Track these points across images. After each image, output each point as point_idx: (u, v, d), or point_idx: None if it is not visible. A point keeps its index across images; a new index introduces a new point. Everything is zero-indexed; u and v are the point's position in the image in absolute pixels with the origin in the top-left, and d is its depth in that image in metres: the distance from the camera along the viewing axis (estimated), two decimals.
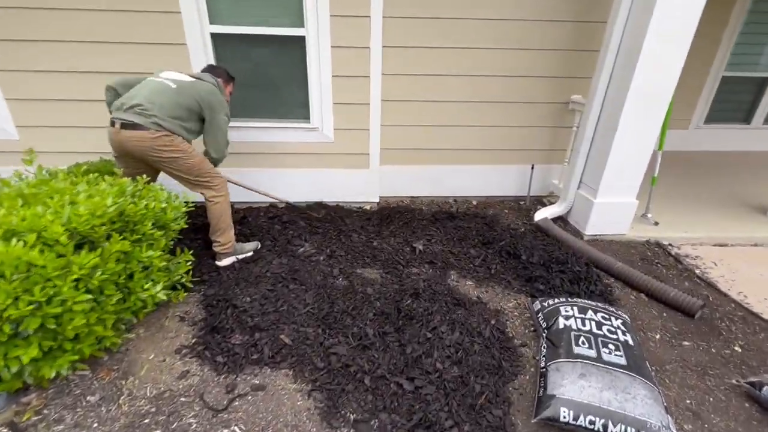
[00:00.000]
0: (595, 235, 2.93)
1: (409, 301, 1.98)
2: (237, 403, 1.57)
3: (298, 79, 2.95)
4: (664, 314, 2.16)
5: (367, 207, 3.34)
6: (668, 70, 2.44)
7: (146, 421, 1.49)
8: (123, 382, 1.64)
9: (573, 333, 1.70)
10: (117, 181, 1.68)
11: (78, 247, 1.45)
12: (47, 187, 1.60)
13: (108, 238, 1.50)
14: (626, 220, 2.89)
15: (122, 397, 1.57)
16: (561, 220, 3.17)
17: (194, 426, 1.47)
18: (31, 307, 1.21)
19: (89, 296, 1.35)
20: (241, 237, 2.70)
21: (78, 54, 2.71)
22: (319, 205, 3.26)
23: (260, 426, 1.49)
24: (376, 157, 3.23)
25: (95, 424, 1.47)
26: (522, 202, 3.56)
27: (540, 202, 3.56)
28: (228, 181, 2.84)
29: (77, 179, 1.83)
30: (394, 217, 3.07)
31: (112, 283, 1.49)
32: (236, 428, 1.47)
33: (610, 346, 1.63)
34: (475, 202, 3.56)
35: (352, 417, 1.51)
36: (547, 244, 2.65)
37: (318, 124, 3.08)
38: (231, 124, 3.03)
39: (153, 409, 1.53)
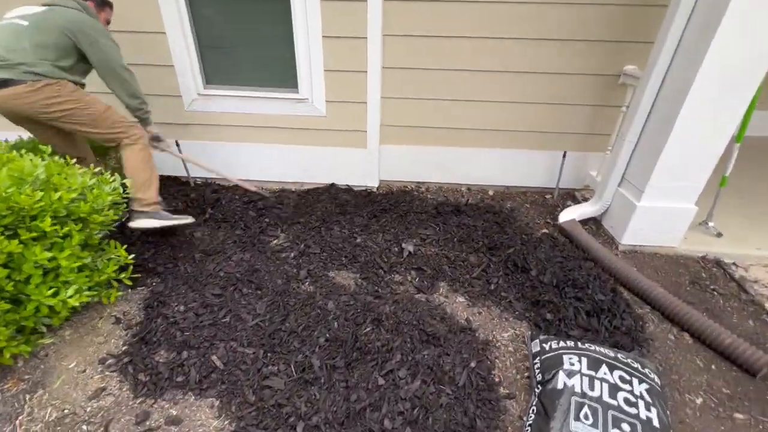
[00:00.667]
0: (634, 246, 2.35)
1: (369, 329, 1.60)
2: None
3: (283, 41, 2.50)
4: (713, 367, 1.64)
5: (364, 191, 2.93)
6: (764, 32, 1.74)
7: None
8: (29, 397, 1.43)
9: (574, 399, 1.26)
10: (16, 164, 1.40)
11: None
12: None
13: None
14: (678, 231, 2.28)
15: (21, 417, 1.37)
16: (593, 222, 2.60)
17: None
18: None
19: None
20: (212, 222, 2.43)
21: None
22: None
23: None
24: (374, 135, 2.78)
25: None
26: (548, 196, 2.99)
27: (571, 195, 2.97)
28: (180, 157, 2.54)
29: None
30: (388, 206, 2.65)
31: None
32: None
33: (625, 426, 1.18)
34: (491, 193, 3.04)
35: None
36: (567, 257, 2.13)
37: (307, 95, 2.66)
38: (206, 91, 2.70)
39: None
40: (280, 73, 2.62)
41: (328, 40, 2.46)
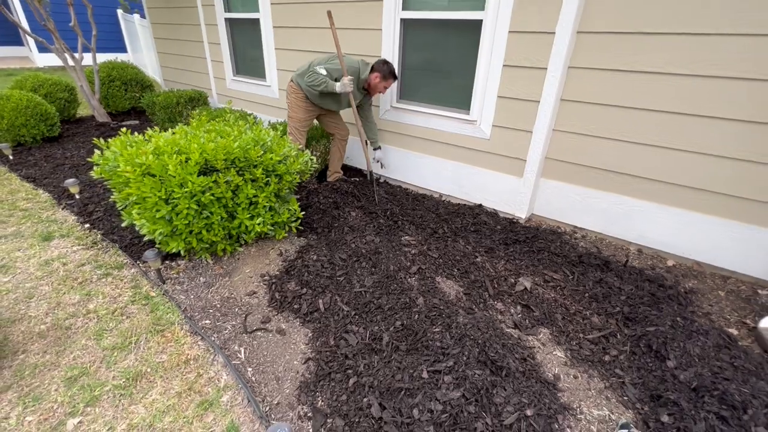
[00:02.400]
0: None
1: (438, 329, 1.66)
2: (260, 333, 1.83)
3: (466, 67, 2.77)
4: None
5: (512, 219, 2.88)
6: None
7: (210, 311, 1.97)
8: (221, 279, 2.20)
9: None
10: (257, 132, 2.18)
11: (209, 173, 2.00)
12: (227, 128, 2.26)
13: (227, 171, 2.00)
14: None
15: (213, 288, 2.13)
16: None
17: (225, 332, 1.84)
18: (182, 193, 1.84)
19: (195, 207, 1.88)
20: (367, 207, 2.92)
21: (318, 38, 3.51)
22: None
23: (259, 360, 1.70)
24: (534, 166, 2.70)
25: (192, 296, 2.07)
26: (764, 291, 2.17)
27: None
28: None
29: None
30: (524, 238, 2.54)
31: (220, 205, 2.00)
32: (242, 350, 1.74)
33: None
34: (670, 263, 2.44)
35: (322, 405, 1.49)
36: (740, 368, 1.55)
37: (476, 117, 2.84)
38: (397, 104, 3.25)
39: (217, 304, 2.00)
40: (457, 95, 2.90)
41: (507, 69, 2.57)
